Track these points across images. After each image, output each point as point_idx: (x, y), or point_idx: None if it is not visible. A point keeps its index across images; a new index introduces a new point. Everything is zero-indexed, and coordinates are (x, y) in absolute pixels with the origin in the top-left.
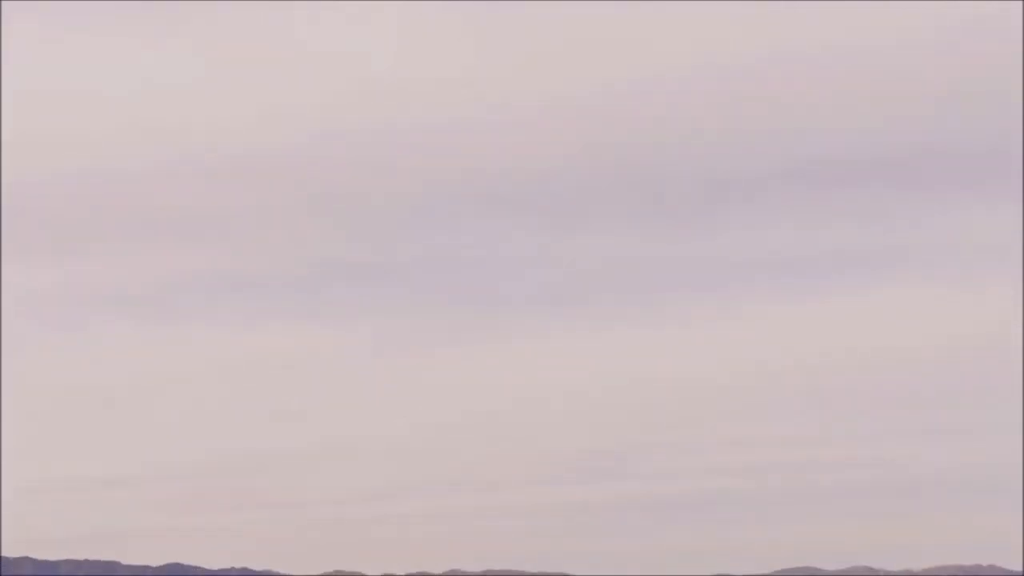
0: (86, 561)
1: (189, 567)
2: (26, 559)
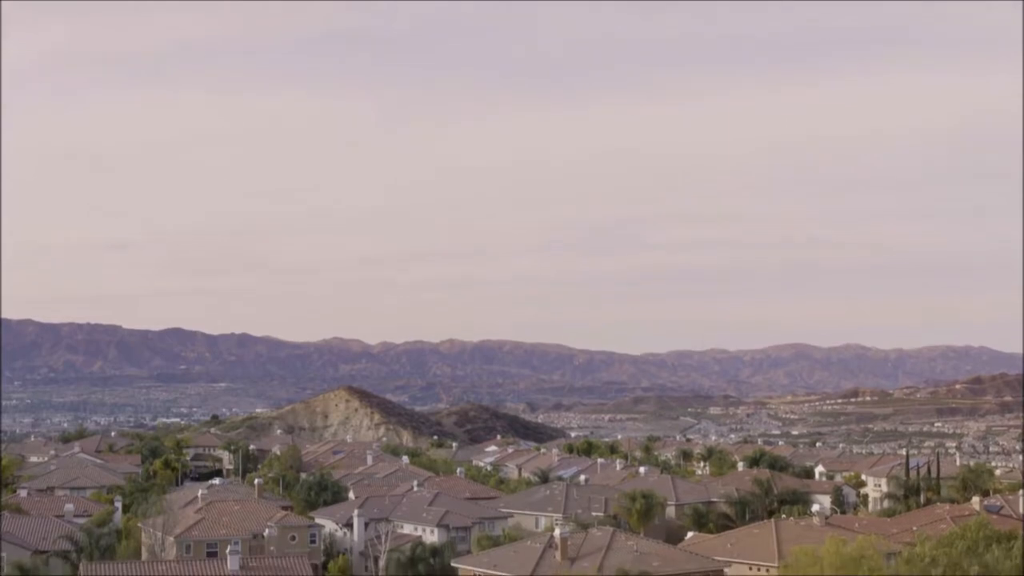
0: (88, 324)
1: (190, 331)
2: (28, 322)
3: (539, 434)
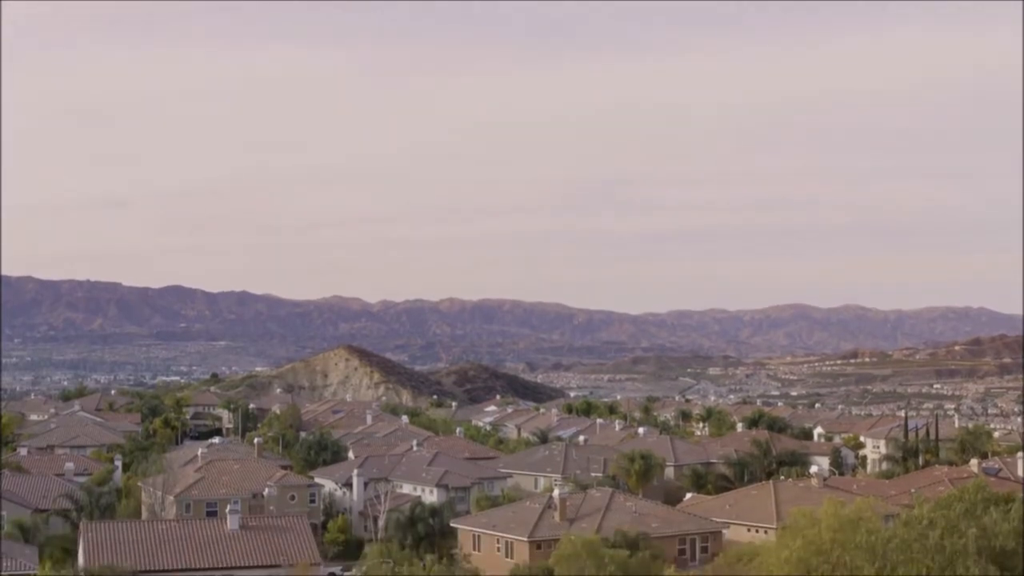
0: (87, 282)
1: (189, 289)
2: (28, 279)
3: (538, 394)
